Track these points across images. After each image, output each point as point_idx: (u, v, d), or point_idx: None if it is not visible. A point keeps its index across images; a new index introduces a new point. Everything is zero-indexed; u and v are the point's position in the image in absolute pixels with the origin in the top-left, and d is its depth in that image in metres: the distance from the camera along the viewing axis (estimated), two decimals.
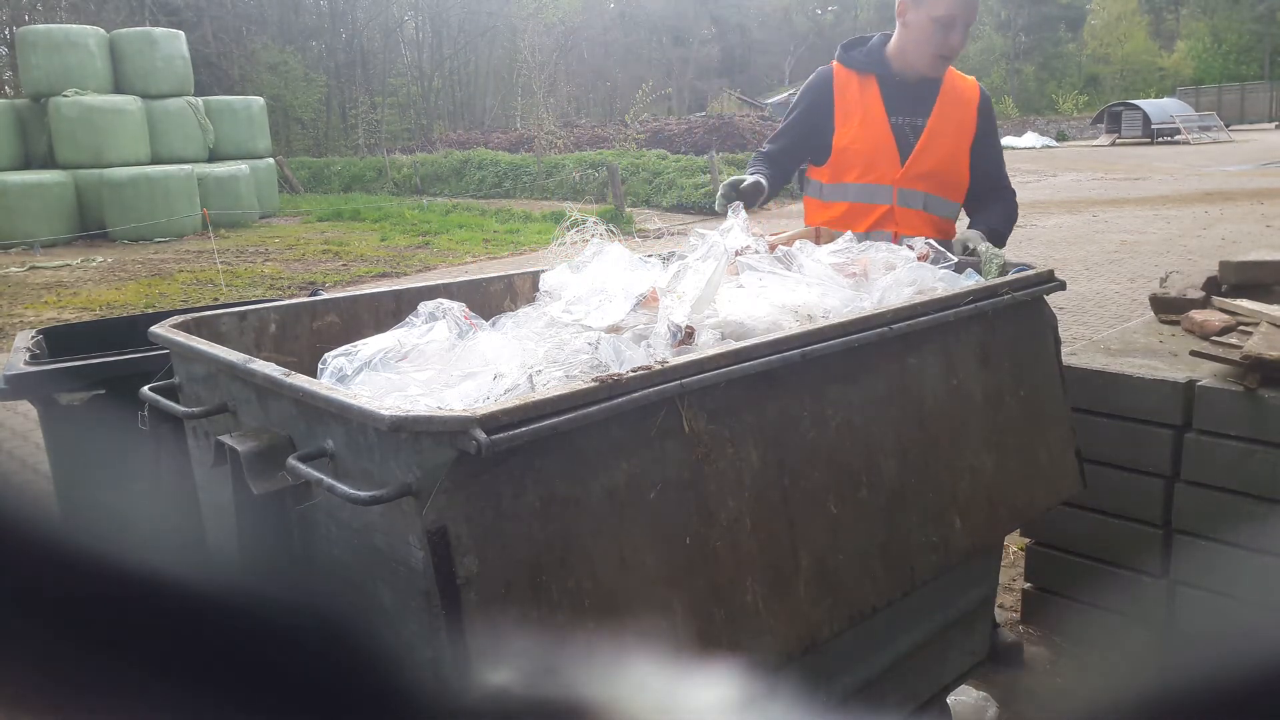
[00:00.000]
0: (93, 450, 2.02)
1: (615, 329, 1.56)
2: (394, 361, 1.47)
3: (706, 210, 15.35)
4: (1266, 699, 0.25)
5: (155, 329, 1.62)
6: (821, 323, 1.52)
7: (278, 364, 1.31)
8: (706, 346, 1.40)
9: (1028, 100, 49.19)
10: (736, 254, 1.88)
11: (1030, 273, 1.93)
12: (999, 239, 2.33)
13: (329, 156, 28.55)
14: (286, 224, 16.14)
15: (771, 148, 2.58)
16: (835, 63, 2.51)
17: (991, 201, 2.48)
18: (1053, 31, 53.40)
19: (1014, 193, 2.54)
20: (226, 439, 1.30)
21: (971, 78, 2.54)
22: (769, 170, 2.47)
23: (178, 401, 1.61)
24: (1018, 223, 2.58)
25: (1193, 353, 2.32)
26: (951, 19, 2.29)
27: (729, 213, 2.10)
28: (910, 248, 2.01)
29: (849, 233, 2.16)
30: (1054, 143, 32.01)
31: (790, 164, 2.57)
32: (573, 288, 1.78)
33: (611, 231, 1.98)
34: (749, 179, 2.39)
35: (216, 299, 8.33)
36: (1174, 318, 2.73)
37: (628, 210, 14.80)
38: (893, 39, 2.44)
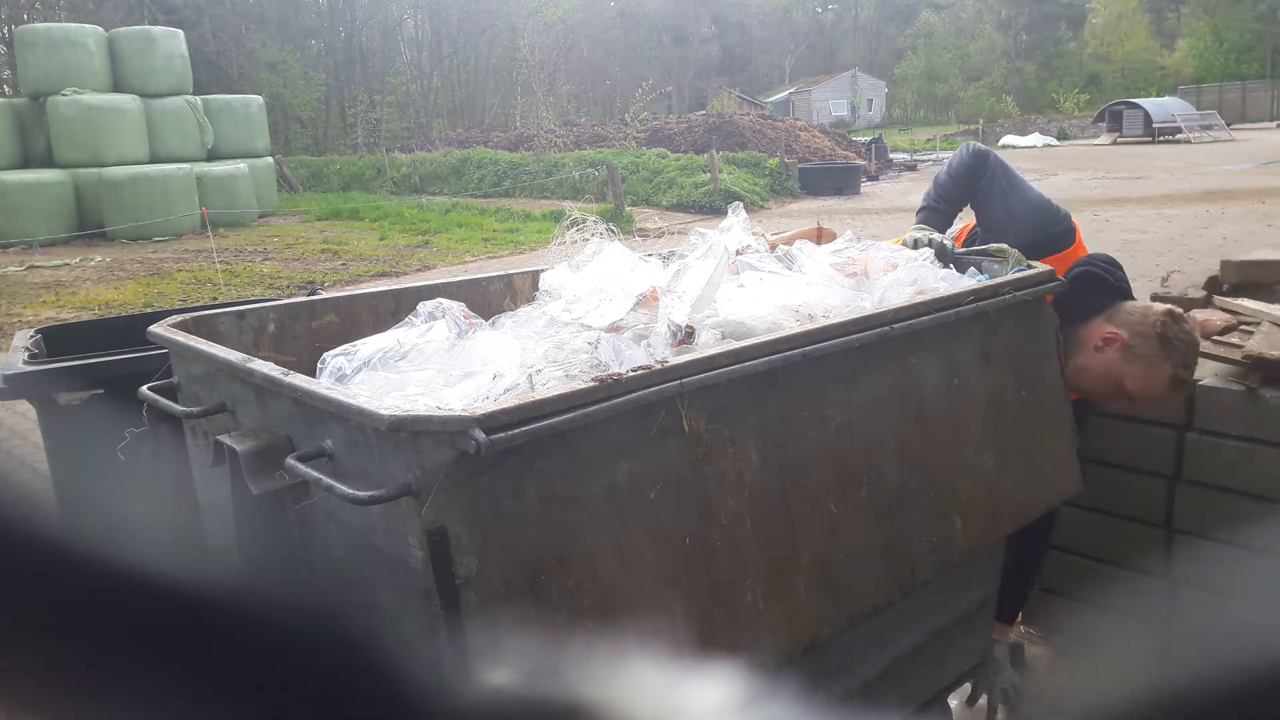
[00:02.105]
0: (91, 450, 2.02)
1: (615, 328, 1.55)
2: (393, 361, 1.47)
3: (706, 209, 15.35)
4: (1266, 699, 0.25)
5: (154, 328, 1.62)
6: (822, 322, 1.52)
7: (276, 363, 1.31)
8: (706, 346, 1.40)
9: (1029, 99, 49.22)
10: (737, 253, 1.88)
11: (1032, 272, 1.92)
12: None
13: (328, 155, 28.59)
14: (285, 223, 16.14)
15: (987, 197, 2.25)
16: (1075, 245, 2.19)
17: None
18: (1054, 30, 53.41)
19: None
20: (225, 438, 1.30)
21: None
22: (956, 200, 2.26)
23: (176, 401, 1.61)
24: None
25: None
26: (1133, 395, 2.05)
27: (730, 211, 2.10)
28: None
29: (849, 232, 2.16)
30: (1055, 142, 32.03)
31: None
32: (572, 287, 1.78)
33: (611, 230, 1.98)
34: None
35: (215, 298, 8.33)
36: None
37: (628, 209, 14.80)
38: (1082, 334, 2.09)
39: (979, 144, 2.34)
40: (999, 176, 2.26)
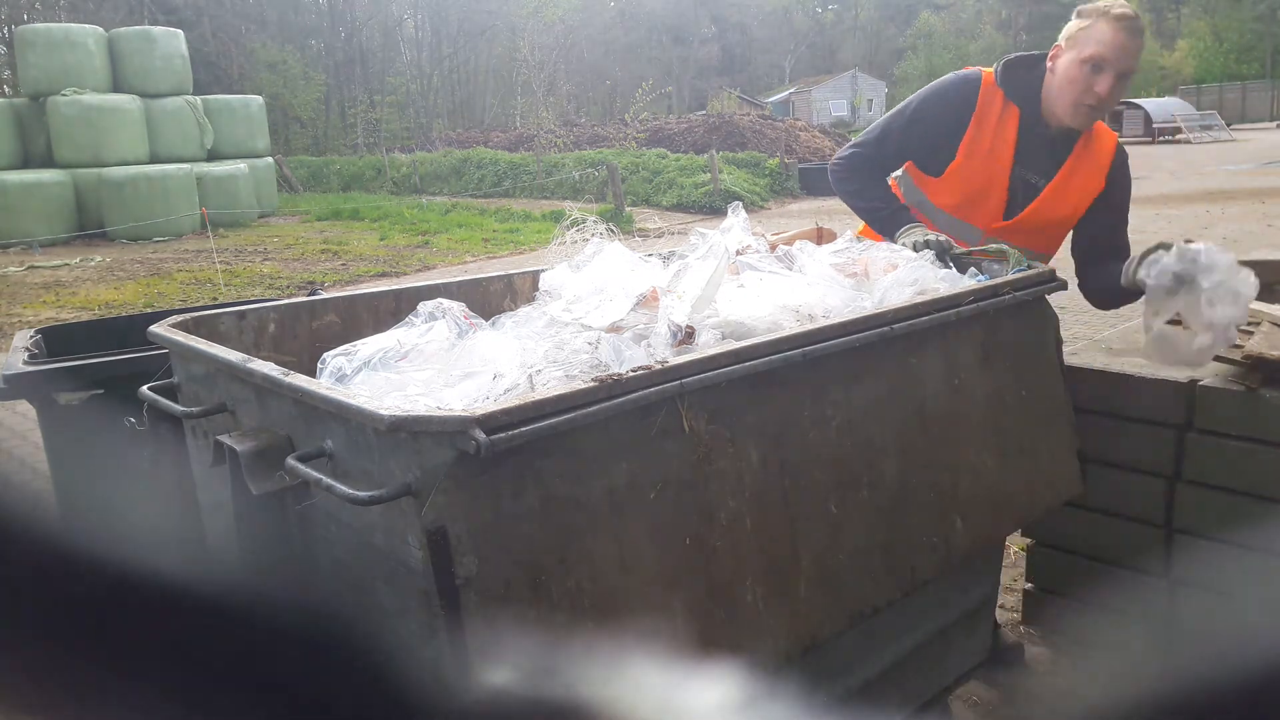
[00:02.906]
0: (91, 450, 2.02)
1: (615, 328, 1.56)
2: (393, 361, 1.47)
3: (706, 209, 15.35)
4: (1267, 699, 0.25)
5: (154, 328, 1.62)
6: (822, 323, 1.52)
7: (277, 363, 1.31)
8: (707, 346, 1.40)
9: None
10: (737, 253, 1.88)
11: (1032, 272, 1.93)
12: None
13: (328, 155, 28.57)
14: (285, 223, 16.14)
15: (879, 154, 2.27)
16: (986, 74, 2.25)
17: (1098, 264, 2.19)
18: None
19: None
20: (225, 439, 1.30)
21: (1113, 134, 2.29)
22: (886, 192, 2.26)
23: (177, 401, 1.61)
24: None
25: None
26: (1101, 60, 2.07)
27: (730, 211, 2.11)
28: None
29: (849, 232, 2.16)
30: None
31: (896, 168, 2.30)
32: (573, 287, 1.78)
33: (611, 231, 1.98)
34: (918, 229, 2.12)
35: (215, 298, 8.33)
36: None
37: (628, 209, 14.79)
38: (1044, 89, 2.21)
39: (830, 165, 2.38)
40: (871, 152, 2.27)
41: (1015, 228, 2.21)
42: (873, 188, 2.26)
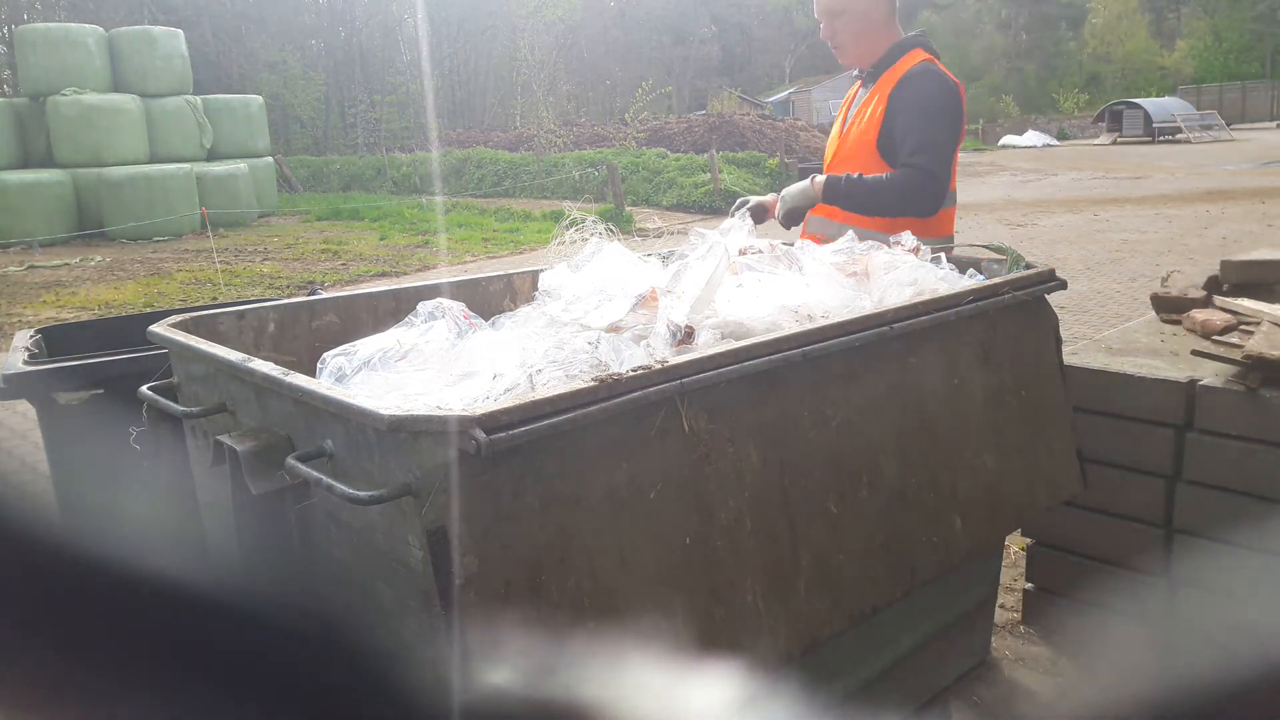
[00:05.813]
0: (91, 450, 2.02)
1: (615, 328, 1.55)
2: (393, 361, 1.47)
3: (706, 209, 15.34)
4: (1267, 699, 0.25)
5: (154, 328, 1.62)
6: (822, 322, 1.52)
7: (276, 363, 1.31)
8: (706, 346, 1.40)
9: (1029, 99, 49.19)
10: (741, 253, 1.88)
11: (1031, 272, 1.92)
12: (841, 187, 2.33)
13: (328, 155, 28.54)
14: (285, 223, 16.13)
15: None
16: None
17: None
18: (1053, 30, 53.39)
19: (916, 170, 2.29)
20: (225, 438, 1.30)
21: (920, 60, 2.47)
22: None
23: (176, 401, 1.61)
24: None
25: (1194, 352, 2.31)
26: (817, 16, 2.56)
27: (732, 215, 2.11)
28: (900, 244, 2.01)
29: (850, 233, 2.16)
30: (1055, 141, 32.04)
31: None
32: (572, 287, 1.78)
33: (611, 230, 1.98)
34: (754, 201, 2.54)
35: (215, 298, 8.32)
36: (1175, 317, 2.72)
37: (627, 209, 14.79)
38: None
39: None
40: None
41: (839, 147, 2.56)
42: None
